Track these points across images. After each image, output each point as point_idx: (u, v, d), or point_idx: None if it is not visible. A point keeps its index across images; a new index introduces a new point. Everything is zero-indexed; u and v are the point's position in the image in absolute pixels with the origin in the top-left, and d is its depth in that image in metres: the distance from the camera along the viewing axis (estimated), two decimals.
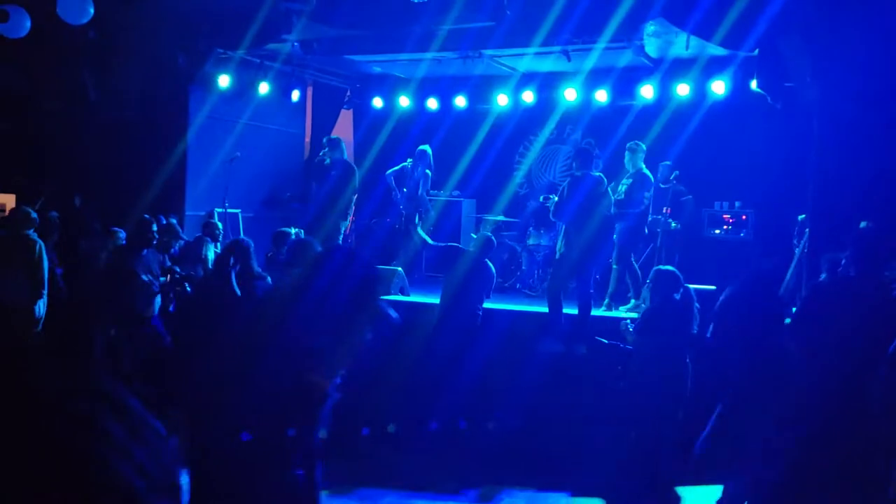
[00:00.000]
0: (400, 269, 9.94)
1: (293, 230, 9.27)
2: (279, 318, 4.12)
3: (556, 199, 8.69)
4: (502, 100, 12.15)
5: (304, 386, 3.86)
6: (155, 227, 8.38)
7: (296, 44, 11.02)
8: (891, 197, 7.79)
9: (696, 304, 6.49)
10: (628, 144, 9.60)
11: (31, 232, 7.86)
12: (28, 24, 8.32)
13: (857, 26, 7.82)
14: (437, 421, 8.13)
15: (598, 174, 8.30)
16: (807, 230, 8.40)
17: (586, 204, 8.08)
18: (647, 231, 9.79)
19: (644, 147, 9.57)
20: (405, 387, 8.00)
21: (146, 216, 8.43)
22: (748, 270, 7.22)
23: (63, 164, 10.70)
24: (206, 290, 6.67)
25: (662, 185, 10.61)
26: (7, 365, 1.10)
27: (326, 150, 10.23)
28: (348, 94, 13.69)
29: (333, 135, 11.13)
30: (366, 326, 4.14)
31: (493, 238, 8.50)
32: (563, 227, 8.47)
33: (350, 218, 10.39)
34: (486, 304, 8.57)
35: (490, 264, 8.43)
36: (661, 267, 6.85)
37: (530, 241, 11.14)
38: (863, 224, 7.51)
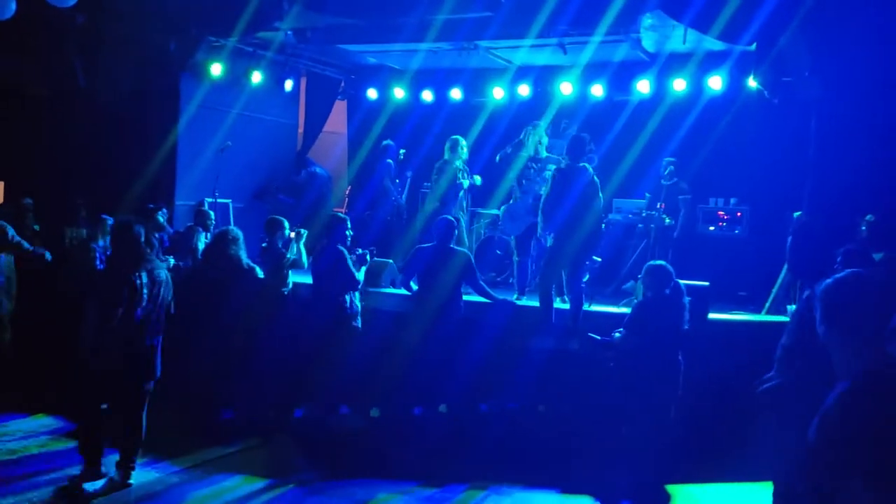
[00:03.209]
0: (391, 261, 9.81)
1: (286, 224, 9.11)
2: None
3: (546, 190, 8.44)
4: (498, 93, 12.03)
5: None
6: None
7: (289, 32, 10.89)
8: (889, 193, 7.70)
9: (686, 298, 6.38)
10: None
11: None
12: (13, 5, 8.17)
13: (856, 20, 7.72)
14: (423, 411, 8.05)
15: (584, 166, 8.12)
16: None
17: (577, 199, 7.92)
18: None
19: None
20: (395, 379, 7.91)
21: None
22: None
23: (51, 152, 10.56)
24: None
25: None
26: None
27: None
28: (342, 84, 13.57)
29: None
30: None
31: (447, 218, 8.29)
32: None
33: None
34: (481, 300, 8.45)
35: (458, 248, 8.28)
36: (653, 262, 6.74)
37: None
38: (869, 217, 7.42)
